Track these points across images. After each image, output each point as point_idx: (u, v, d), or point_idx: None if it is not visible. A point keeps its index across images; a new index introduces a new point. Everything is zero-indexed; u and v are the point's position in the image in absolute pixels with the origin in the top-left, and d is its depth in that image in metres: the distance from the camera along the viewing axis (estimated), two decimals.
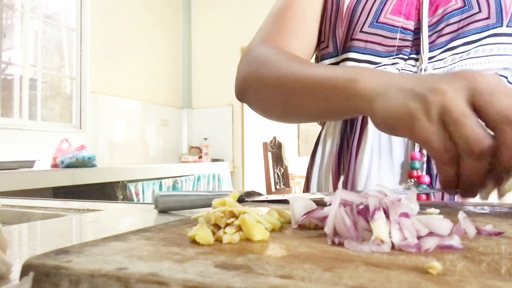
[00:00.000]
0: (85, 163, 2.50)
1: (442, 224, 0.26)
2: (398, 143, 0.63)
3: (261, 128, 4.31)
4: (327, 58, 0.69)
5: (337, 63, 0.67)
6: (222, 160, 4.12)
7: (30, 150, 2.63)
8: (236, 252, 0.24)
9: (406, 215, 0.26)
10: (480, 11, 0.62)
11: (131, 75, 3.57)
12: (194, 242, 0.26)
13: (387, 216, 0.26)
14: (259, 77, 0.60)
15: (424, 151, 0.61)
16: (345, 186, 0.66)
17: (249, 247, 0.25)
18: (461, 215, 0.27)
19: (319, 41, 0.71)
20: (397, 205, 0.26)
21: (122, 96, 3.50)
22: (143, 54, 3.72)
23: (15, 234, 0.44)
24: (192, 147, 4.23)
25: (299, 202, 0.33)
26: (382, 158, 0.63)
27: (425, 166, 0.62)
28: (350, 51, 0.65)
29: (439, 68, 0.63)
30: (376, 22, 0.64)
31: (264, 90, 0.60)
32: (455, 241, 0.25)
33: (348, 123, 0.68)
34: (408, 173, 0.62)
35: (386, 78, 0.43)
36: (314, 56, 0.74)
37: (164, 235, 0.28)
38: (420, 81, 0.39)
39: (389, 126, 0.41)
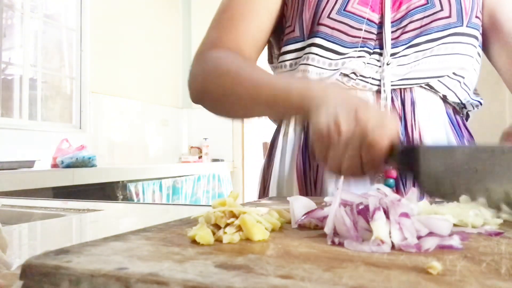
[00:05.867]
0: (85, 163, 2.49)
1: (442, 224, 0.26)
2: None
3: (261, 128, 4.31)
4: (292, 43, 0.68)
5: (302, 49, 0.67)
6: (222, 160, 4.11)
7: (30, 150, 2.63)
8: (236, 252, 0.24)
9: (406, 215, 0.26)
10: (442, 9, 0.63)
11: (131, 75, 3.56)
12: (194, 242, 0.26)
13: (387, 216, 0.26)
14: (217, 86, 0.63)
15: None
16: (314, 185, 0.66)
17: (249, 247, 0.25)
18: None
19: (284, 25, 0.71)
20: (397, 205, 0.26)
21: (122, 96, 3.49)
22: (143, 54, 3.71)
23: (15, 234, 0.44)
24: (192, 147, 4.22)
25: (299, 202, 0.33)
26: None
27: None
28: (316, 36, 0.65)
29: (403, 64, 0.63)
30: (344, 10, 0.64)
31: (223, 98, 0.63)
32: (455, 241, 0.25)
33: None
34: None
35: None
36: (281, 40, 0.72)
37: (164, 235, 0.29)
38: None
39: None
